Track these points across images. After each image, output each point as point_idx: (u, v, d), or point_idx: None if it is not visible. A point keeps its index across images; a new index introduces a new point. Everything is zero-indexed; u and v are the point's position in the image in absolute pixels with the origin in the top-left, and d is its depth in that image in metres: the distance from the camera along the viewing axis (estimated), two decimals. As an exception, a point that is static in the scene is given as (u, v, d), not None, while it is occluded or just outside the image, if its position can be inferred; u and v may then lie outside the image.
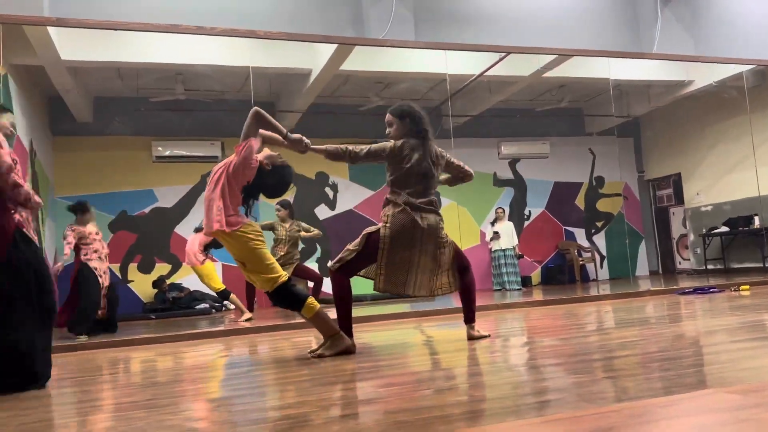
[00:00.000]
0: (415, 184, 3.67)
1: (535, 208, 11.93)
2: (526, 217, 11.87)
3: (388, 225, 3.65)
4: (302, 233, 7.36)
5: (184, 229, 9.94)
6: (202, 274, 7.37)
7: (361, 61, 7.82)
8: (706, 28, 9.12)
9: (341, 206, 10.82)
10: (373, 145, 3.69)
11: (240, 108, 9.43)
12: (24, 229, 2.95)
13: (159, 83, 9.16)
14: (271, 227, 7.24)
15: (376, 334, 4.96)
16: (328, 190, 10.82)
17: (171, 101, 9.44)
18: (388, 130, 3.75)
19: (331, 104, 10.41)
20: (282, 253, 7.07)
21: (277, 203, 7.31)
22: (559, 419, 1.72)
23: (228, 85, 9.31)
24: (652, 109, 11.39)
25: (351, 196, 10.90)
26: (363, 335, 4.89)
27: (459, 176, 4.02)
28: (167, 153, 9.92)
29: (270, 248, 7.06)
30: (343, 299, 3.68)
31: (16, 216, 2.95)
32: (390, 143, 3.68)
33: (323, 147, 3.67)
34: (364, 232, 3.73)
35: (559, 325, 4.67)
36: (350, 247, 3.70)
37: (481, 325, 4.98)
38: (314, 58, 8.17)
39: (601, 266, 12.18)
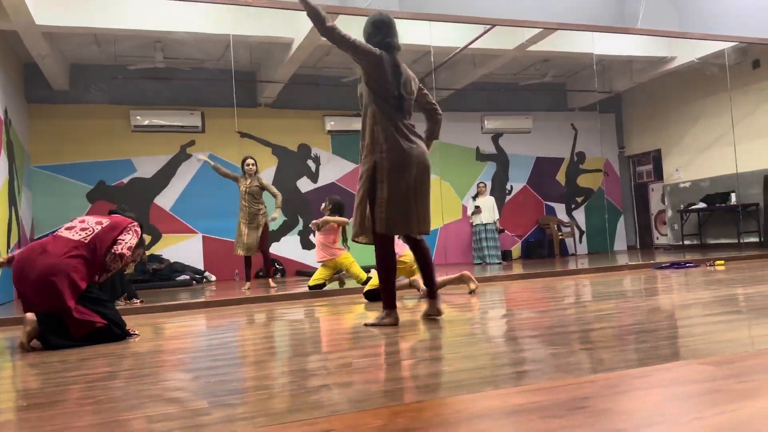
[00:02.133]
0: (398, 106, 3.37)
1: (516, 183, 12.00)
2: (507, 191, 11.93)
3: (384, 156, 3.32)
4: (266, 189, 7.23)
5: (164, 200, 9.83)
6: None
7: (345, 31, 7.70)
8: (690, 4, 9.10)
9: (323, 179, 10.77)
10: (365, 42, 3.40)
11: (220, 77, 9.30)
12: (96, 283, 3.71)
13: (137, 50, 8.96)
14: (235, 179, 7.20)
15: (358, 306, 4.98)
16: (310, 162, 10.75)
17: (150, 69, 9.25)
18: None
19: (313, 75, 10.28)
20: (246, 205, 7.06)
21: (251, 158, 7.26)
22: (536, 389, 1.74)
23: (208, 54, 9.14)
24: (634, 85, 11.42)
25: (333, 168, 10.85)
26: (351, 308, 4.91)
27: (429, 111, 3.66)
28: (146, 122, 9.75)
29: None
30: (385, 265, 3.37)
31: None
32: (378, 50, 3.39)
33: (323, 14, 3.40)
34: (361, 175, 3.38)
35: (538, 298, 4.72)
36: (357, 203, 3.38)
37: (461, 299, 5.02)
38: (296, 27, 8.04)
39: (580, 241, 12.32)
